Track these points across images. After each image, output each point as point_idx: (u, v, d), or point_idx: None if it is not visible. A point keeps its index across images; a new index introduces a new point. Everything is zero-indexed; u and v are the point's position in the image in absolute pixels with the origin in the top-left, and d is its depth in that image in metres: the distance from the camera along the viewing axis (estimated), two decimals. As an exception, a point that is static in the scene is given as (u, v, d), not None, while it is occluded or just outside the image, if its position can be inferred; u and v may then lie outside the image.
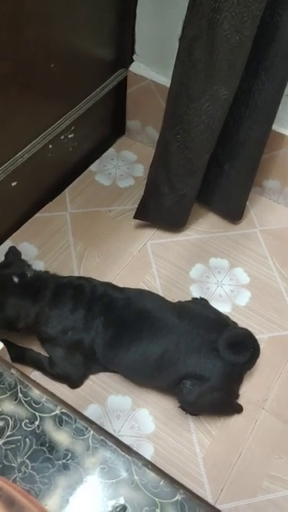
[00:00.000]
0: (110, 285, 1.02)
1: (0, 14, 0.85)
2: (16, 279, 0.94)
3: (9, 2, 0.85)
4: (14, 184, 1.13)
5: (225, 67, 0.89)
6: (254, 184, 1.23)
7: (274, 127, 1.12)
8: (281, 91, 1.01)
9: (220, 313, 1.04)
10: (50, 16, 0.97)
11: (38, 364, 1.00)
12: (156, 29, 1.18)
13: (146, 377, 0.98)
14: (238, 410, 0.99)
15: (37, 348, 1.02)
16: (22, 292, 0.94)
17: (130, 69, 1.29)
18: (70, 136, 1.24)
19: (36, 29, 0.96)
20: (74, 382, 1.00)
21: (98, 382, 1.01)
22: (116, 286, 1.02)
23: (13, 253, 1.02)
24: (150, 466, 0.54)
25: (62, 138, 1.21)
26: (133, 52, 1.27)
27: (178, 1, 1.07)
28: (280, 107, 1.05)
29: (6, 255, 1.02)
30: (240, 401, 0.99)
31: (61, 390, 0.99)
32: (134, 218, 1.24)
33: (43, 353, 1.01)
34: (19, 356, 1.00)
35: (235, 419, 0.98)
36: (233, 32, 0.84)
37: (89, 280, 1.01)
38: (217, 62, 0.89)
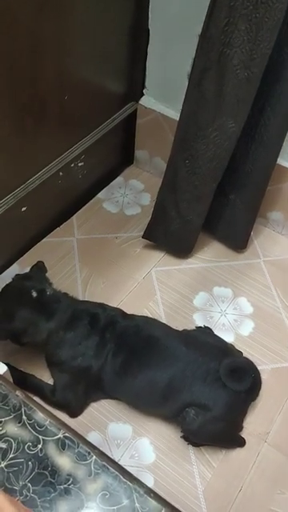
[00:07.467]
0: (120, 312, 1.02)
1: (18, 48, 0.89)
2: (34, 293, 0.91)
3: (26, 36, 0.90)
4: (23, 209, 1.15)
5: (233, 100, 0.92)
6: (259, 215, 1.25)
7: (279, 161, 1.15)
8: (286, 127, 1.04)
9: (225, 342, 1.04)
10: (65, 50, 1.02)
11: (38, 390, 0.99)
12: (165, 66, 1.23)
13: (151, 404, 0.97)
14: (241, 443, 0.97)
15: (39, 374, 1.01)
16: (38, 308, 0.91)
17: (140, 102, 1.34)
18: (79, 164, 1.27)
19: (52, 63, 1.00)
20: (74, 412, 0.99)
21: (99, 408, 1.00)
22: (126, 313, 1.02)
23: (39, 267, 0.99)
24: (151, 495, 0.53)
25: (72, 165, 1.25)
26: (143, 86, 1.32)
27: (186, 41, 1.12)
28: (285, 142, 1.08)
29: (32, 268, 1.00)
30: (242, 433, 0.98)
31: (61, 415, 0.98)
32: (143, 237, 1.26)
33: (45, 379, 1.00)
34: (21, 381, 0.99)
35: (237, 452, 0.97)
36: (242, 68, 0.87)
37: (103, 307, 1.00)
38: (225, 95, 0.92)
